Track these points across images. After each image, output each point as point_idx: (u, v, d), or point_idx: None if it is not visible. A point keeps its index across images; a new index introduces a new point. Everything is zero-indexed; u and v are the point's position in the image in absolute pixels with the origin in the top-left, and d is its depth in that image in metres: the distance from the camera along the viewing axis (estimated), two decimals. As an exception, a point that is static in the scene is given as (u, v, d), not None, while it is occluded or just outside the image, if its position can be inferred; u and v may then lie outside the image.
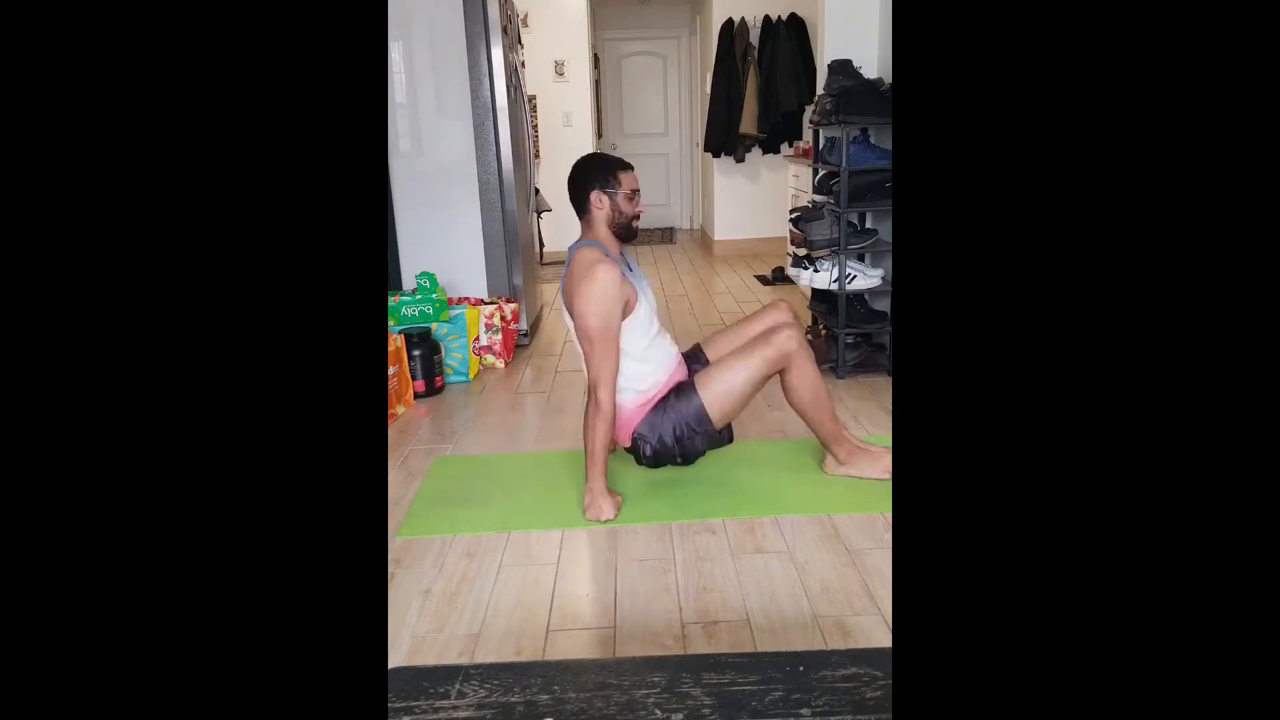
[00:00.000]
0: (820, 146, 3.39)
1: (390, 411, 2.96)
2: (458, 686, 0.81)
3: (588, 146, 6.65)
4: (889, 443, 2.53)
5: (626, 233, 2.20)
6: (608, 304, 2.07)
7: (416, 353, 3.17)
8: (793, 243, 3.42)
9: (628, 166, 2.20)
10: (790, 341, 2.15)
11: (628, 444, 2.27)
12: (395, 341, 3.03)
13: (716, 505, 2.20)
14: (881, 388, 3.15)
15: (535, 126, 6.42)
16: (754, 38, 6.09)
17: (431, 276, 3.43)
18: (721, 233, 6.70)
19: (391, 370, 2.97)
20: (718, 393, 2.18)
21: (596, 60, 7.25)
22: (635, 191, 2.19)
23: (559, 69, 6.53)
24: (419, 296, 3.40)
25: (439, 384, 3.27)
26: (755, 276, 5.57)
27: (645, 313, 2.21)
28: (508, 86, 3.61)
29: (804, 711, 0.76)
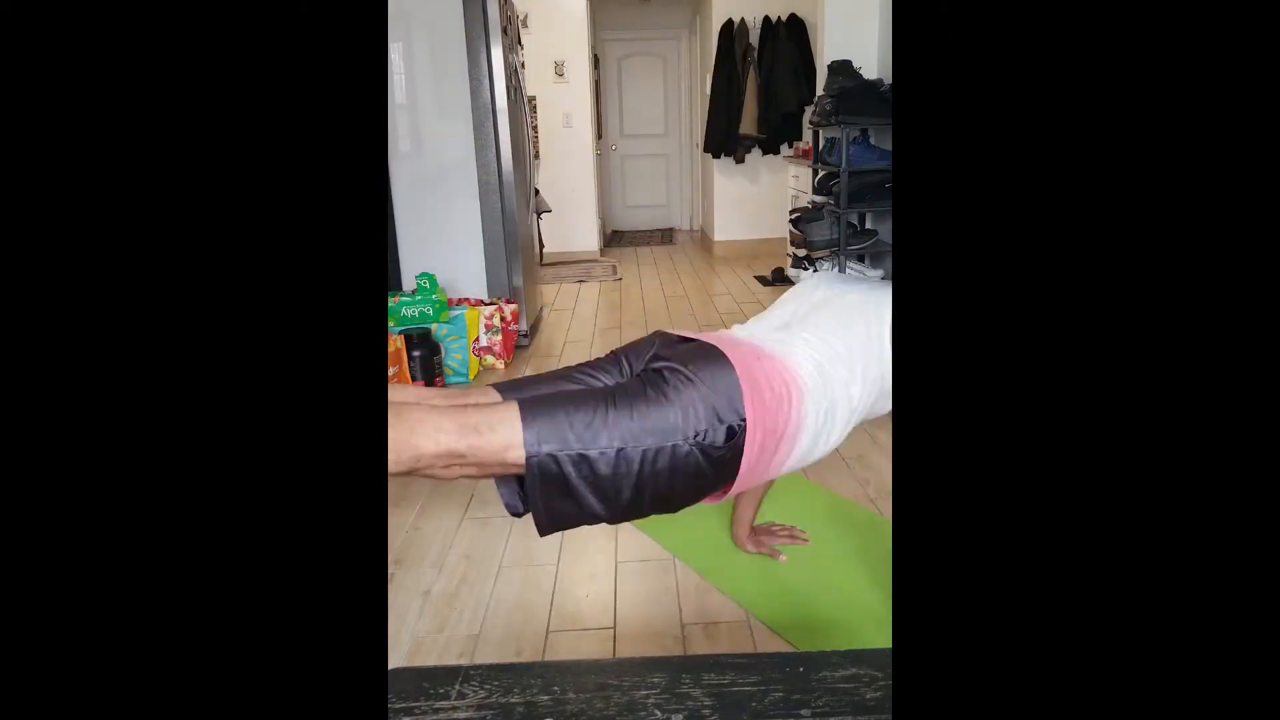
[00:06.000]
0: (820, 147, 3.39)
1: (390, 412, 2.96)
2: (458, 687, 0.81)
3: (588, 147, 6.65)
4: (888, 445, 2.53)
5: None
6: None
7: (416, 353, 3.17)
8: (793, 243, 3.42)
9: None
10: None
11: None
12: (395, 342, 3.03)
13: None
14: (881, 388, 3.14)
15: (535, 127, 6.42)
16: (754, 38, 6.09)
17: (431, 277, 3.43)
18: (721, 233, 6.70)
19: (391, 371, 2.97)
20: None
21: (596, 61, 7.24)
22: None
23: (559, 70, 6.53)
24: (419, 297, 3.40)
25: (439, 385, 3.27)
26: (755, 277, 5.57)
27: None
28: (507, 87, 3.60)
29: (804, 712, 0.76)
